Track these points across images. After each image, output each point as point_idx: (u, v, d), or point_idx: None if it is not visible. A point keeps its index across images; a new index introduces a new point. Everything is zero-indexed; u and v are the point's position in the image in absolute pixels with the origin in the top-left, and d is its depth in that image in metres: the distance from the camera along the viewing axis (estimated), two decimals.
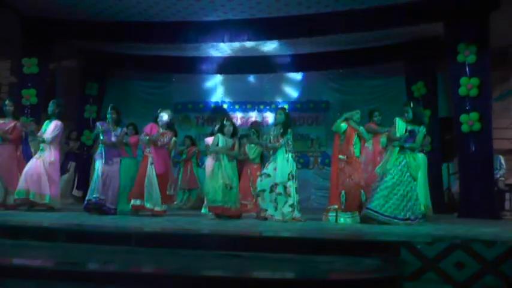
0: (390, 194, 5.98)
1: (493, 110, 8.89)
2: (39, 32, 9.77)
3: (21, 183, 6.73)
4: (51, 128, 7.11)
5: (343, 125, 6.75)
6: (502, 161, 9.81)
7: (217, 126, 7.19)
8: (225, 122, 6.96)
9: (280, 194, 6.41)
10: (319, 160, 12.22)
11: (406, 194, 6.02)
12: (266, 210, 6.43)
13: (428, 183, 7.53)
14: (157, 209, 6.61)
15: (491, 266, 3.65)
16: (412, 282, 3.60)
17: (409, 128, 6.27)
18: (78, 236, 4.29)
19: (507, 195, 9.80)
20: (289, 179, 6.51)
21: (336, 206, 6.48)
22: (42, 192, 6.79)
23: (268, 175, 6.54)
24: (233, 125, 7.04)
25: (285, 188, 6.45)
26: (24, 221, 4.93)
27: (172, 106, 12.40)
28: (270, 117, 12.26)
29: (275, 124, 7.01)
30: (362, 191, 6.38)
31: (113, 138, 6.89)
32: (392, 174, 6.05)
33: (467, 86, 8.42)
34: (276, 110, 7.29)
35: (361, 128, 6.79)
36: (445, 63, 9.60)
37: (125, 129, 7.25)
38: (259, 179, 6.72)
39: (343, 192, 6.39)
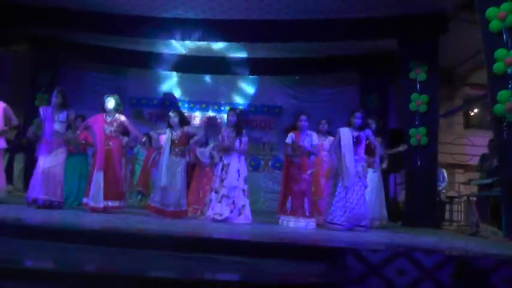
0: (344, 203, 6.14)
1: (439, 124, 9.32)
2: None
3: None
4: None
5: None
6: (445, 174, 10.26)
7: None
8: (170, 113, 6.79)
9: (237, 197, 6.44)
10: (269, 164, 12.38)
11: (353, 202, 6.19)
12: (221, 214, 6.37)
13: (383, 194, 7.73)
14: (99, 205, 6.34)
15: (429, 272, 3.84)
16: (357, 286, 3.72)
17: (355, 134, 6.43)
18: (26, 231, 4.15)
19: (447, 207, 10.26)
20: (245, 183, 6.57)
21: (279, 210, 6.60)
22: None
23: (224, 179, 6.51)
24: (179, 114, 6.79)
25: (243, 191, 6.50)
26: None
27: (126, 100, 12.28)
28: (224, 118, 12.27)
29: (227, 125, 6.94)
30: (305, 198, 6.39)
31: (56, 125, 6.49)
32: (344, 183, 6.20)
33: (417, 101, 8.77)
34: (227, 111, 7.16)
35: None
36: (397, 77, 9.98)
37: (70, 111, 6.70)
38: (219, 184, 6.56)
39: (289, 197, 6.45)
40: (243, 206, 6.47)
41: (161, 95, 12.56)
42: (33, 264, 3.36)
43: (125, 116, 6.98)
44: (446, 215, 10.33)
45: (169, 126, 6.72)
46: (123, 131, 7.08)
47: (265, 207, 11.59)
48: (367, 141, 6.55)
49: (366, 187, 6.39)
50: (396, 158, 10.37)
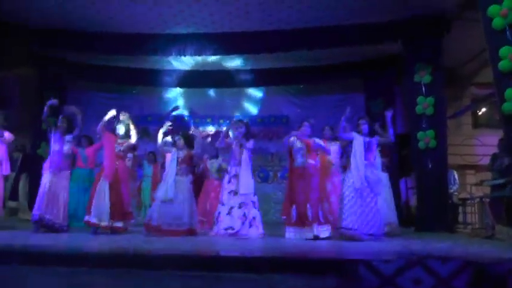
0: (357, 208, 6.05)
1: (447, 126, 9.21)
2: None
3: None
4: (8, 143, 6.81)
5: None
6: (456, 176, 10.11)
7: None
8: (175, 137, 6.90)
9: (249, 209, 6.38)
10: (278, 175, 12.29)
11: (366, 209, 6.09)
12: (233, 228, 6.31)
13: (393, 200, 7.57)
14: (103, 224, 6.33)
15: (445, 281, 3.74)
16: None
17: (366, 140, 6.37)
18: (33, 258, 4.11)
19: (460, 209, 10.09)
20: (254, 194, 6.51)
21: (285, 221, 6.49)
22: None
23: (236, 192, 6.47)
24: (185, 136, 6.87)
25: (253, 203, 6.43)
26: None
27: (132, 118, 12.29)
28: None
29: (235, 137, 6.89)
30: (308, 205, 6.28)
31: (64, 146, 6.66)
32: (354, 189, 6.11)
33: (423, 104, 8.68)
34: (233, 123, 7.11)
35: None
36: (402, 79, 9.90)
37: (76, 132, 7.02)
38: (226, 196, 6.54)
39: (294, 206, 6.33)
40: (254, 218, 6.42)
41: (167, 112, 12.49)
42: None
43: None
44: (460, 218, 10.18)
45: (175, 146, 6.72)
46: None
47: (275, 218, 11.46)
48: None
49: (378, 194, 6.27)
50: (406, 161, 10.30)
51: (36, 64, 11.14)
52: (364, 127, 6.41)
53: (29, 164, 9.81)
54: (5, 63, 10.04)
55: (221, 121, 12.55)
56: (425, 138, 8.61)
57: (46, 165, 6.60)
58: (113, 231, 6.37)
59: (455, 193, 10.08)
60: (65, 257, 4.08)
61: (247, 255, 4.11)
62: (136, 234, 6.37)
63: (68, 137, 6.80)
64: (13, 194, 9.57)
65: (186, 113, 12.61)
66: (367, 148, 6.32)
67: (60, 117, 6.92)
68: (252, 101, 12.59)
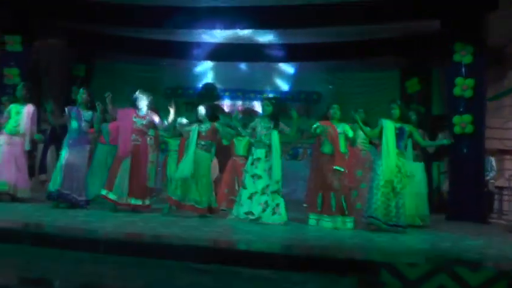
0: (383, 198, 5.80)
1: (486, 109, 8.73)
2: (23, 9, 9.38)
3: None
4: (29, 115, 6.73)
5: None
6: (493, 163, 9.66)
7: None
8: (199, 107, 6.59)
9: (272, 195, 6.12)
10: (308, 152, 12.02)
11: (393, 199, 5.83)
12: (252, 213, 6.07)
13: (426, 191, 7.17)
14: (122, 201, 6.21)
15: None
16: None
17: (397, 126, 6.05)
18: (45, 239, 4.07)
19: (496, 197, 9.68)
20: (280, 180, 6.24)
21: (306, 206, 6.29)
22: (10, 183, 6.44)
23: (260, 176, 6.18)
24: (210, 108, 6.57)
25: (278, 189, 6.18)
26: None
27: (161, 91, 12.24)
28: (259, 106, 12.07)
29: (262, 116, 6.53)
30: (332, 194, 6.02)
31: (81, 123, 6.45)
32: (383, 178, 5.84)
33: (462, 86, 8.21)
34: (262, 100, 6.78)
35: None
36: (441, 59, 9.40)
37: (96, 113, 6.64)
38: (249, 179, 6.21)
39: (319, 194, 6.10)
40: (277, 205, 6.11)
41: (197, 85, 12.35)
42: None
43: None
44: (496, 205, 9.77)
45: (198, 120, 6.50)
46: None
47: (303, 196, 11.28)
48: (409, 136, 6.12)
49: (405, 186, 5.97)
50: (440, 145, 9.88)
51: (65, 37, 11.09)
52: (395, 112, 6.04)
53: (57, 136, 9.80)
54: (37, 36, 10.02)
55: (252, 95, 12.32)
56: (462, 122, 8.17)
57: (64, 141, 6.51)
58: (133, 209, 6.29)
59: (492, 180, 9.66)
60: (74, 241, 4.03)
61: (264, 251, 3.93)
62: (156, 213, 6.24)
63: (87, 114, 6.54)
64: (42, 167, 9.65)
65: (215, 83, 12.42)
66: (398, 135, 5.98)
67: (81, 91, 6.69)
68: (283, 76, 12.30)
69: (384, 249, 4.33)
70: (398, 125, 6.03)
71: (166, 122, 6.64)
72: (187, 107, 12.34)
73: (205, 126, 6.42)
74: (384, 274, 3.56)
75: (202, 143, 6.37)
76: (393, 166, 5.81)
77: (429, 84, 10.22)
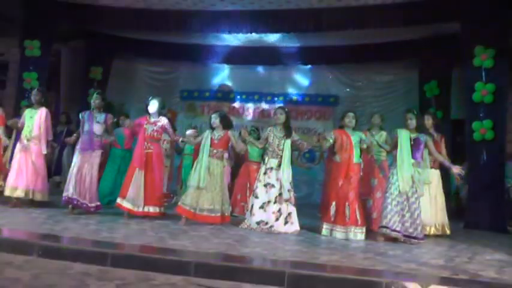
0: (399, 209, 5.69)
1: (508, 113, 8.49)
2: (42, 13, 9.51)
3: (10, 180, 6.52)
4: (42, 118, 6.75)
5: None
6: None
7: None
8: (212, 115, 6.53)
9: (285, 204, 6.07)
10: (325, 155, 11.86)
11: (409, 210, 5.71)
12: (266, 223, 6.02)
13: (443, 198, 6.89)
14: (136, 210, 6.22)
15: None
16: None
17: (412, 136, 5.91)
18: (54, 251, 4.08)
19: None
20: (291, 188, 6.16)
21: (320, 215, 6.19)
22: (28, 188, 6.48)
23: (273, 185, 6.14)
24: (221, 116, 6.46)
25: (290, 198, 6.11)
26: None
27: (178, 93, 12.29)
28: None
29: (274, 124, 6.46)
30: (347, 203, 5.89)
31: (94, 126, 6.40)
32: (397, 189, 5.72)
33: (482, 92, 7.99)
34: (275, 109, 6.72)
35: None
36: (460, 62, 9.17)
37: (109, 115, 6.62)
38: (262, 189, 6.17)
39: (333, 203, 5.98)
40: (289, 214, 6.07)
41: (214, 87, 12.33)
42: None
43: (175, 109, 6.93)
44: None
45: (211, 127, 6.46)
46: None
47: (319, 200, 11.17)
48: (425, 147, 5.98)
49: (421, 195, 5.84)
50: (459, 149, 9.66)
51: (84, 38, 11.19)
52: (412, 122, 5.90)
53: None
54: (55, 39, 10.14)
55: (268, 98, 12.23)
56: (482, 128, 7.96)
57: (77, 146, 6.52)
58: (147, 216, 6.28)
59: None
60: (80, 254, 4.04)
61: (271, 268, 3.86)
62: (169, 220, 6.22)
63: (100, 116, 6.52)
64: (57, 168, 9.72)
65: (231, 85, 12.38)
66: (414, 145, 5.85)
67: (95, 95, 6.70)
68: (300, 79, 12.15)
69: (396, 267, 4.19)
70: (414, 135, 5.90)
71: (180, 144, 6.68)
72: (203, 109, 12.39)
73: (218, 134, 6.37)
74: None
75: (215, 151, 6.34)
76: (408, 177, 5.71)
77: (448, 88, 9.97)
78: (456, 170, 5.94)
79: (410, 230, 5.68)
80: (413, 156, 5.84)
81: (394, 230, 5.65)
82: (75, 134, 6.90)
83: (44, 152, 6.64)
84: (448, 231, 6.60)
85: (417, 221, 5.69)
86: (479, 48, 8.06)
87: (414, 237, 5.65)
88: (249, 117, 12.19)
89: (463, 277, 3.90)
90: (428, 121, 6.72)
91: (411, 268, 4.16)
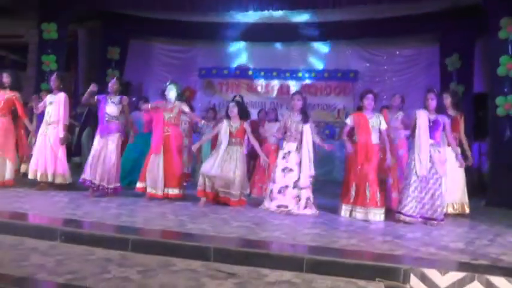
0: (418, 193, 5.64)
1: None
2: None
3: (32, 164, 6.66)
4: (61, 102, 6.82)
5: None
6: None
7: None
8: (230, 103, 6.53)
9: (304, 188, 6.08)
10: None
11: (428, 191, 5.65)
12: (286, 206, 6.05)
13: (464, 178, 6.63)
14: (156, 193, 6.32)
15: None
16: None
17: (432, 118, 5.80)
18: (76, 237, 4.19)
19: None
20: (310, 171, 6.16)
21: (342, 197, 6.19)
22: (48, 171, 6.62)
23: (291, 169, 6.15)
24: (238, 105, 6.43)
25: (309, 182, 6.13)
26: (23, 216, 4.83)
27: (196, 71, 12.26)
28: (294, 85, 11.90)
29: (292, 109, 6.45)
30: (367, 184, 5.82)
31: (109, 107, 6.48)
32: (416, 173, 5.66)
33: (508, 65, 7.77)
34: (293, 94, 6.66)
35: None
36: (484, 34, 8.91)
37: (125, 97, 6.67)
38: (280, 174, 6.19)
39: (353, 184, 5.93)
40: (308, 199, 6.10)
41: (232, 65, 12.23)
42: None
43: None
44: None
45: (228, 117, 6.44)
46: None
47: (340, 176, 11.11)
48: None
49: (443, 175, 5.75)
50: (482, 124, 9.48)
51: (100, 19, 11.16)
52: (432, 102, 5.79)
53: (92, 118, 9.92)
54: (71, 21, 10.17)
55: (287, 74, 12.10)
56: (506, 104, 7.77)
57: (98, 128, 6.60)
58: (167, 198, 6.36)
59: None
60: (101, 239, 4.14)
61: (290, 254, 3.86)
62: (189, 202, 6.28)
63: (115, 98, 6.58)
64: (77, 149, 9.84)
65: (250, 64, 12.26)
66: (433, 126, 5.75)
67: (113, 80, 6.74)
68: (318, 55, 11.95)
69: (415, 251, 4.17)
70: (433, 116, 5.79)
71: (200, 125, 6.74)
72: (221, 87, 12.34)
73: (235, 126, 6.38)
74: (414, 280, 3.46)
75: (233, 140, 6.37)
76: (426, 160, 5.63)
77: (471, 61, 9.70)
78: (460, 165, 6.16)
79: (430, 213, 5.63)
80: (432, 137, 5.74)
81: (410, 216, 5.62)
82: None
83: (60, 135, 6.72)
84: (467, 210, 6.48)
85: (437, 202, 5.62)
86: (505, 20, 7.80)
87: (433, 219, 5.61)
88: (268, 95, 12.10)
89: (483, 262, 3.86)
90: (447, 100, 6.57)
91: (430, 252, 4.13)
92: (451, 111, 6.47)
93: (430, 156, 5.66)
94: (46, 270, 3.43)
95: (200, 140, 7.32)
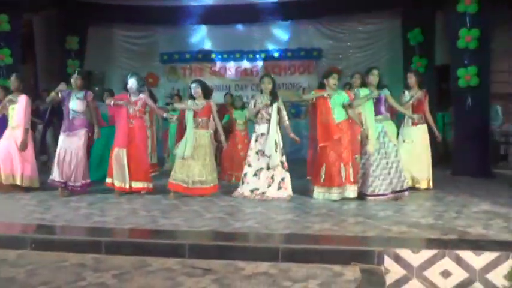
0: (380, 170, 5.74)
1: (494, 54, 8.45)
2: None
3: None
4: (22, 106, 6.59)
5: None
6: (499, 112, 9.46)
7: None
8: (191, 84, 6.40)
9: (277, 170, 6.08)
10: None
11: (392, 165, 5.80)
12: (258, 189, 6.07)
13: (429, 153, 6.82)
14: (124, 186, 6.22)
15: (479, 274, 3.46)
16: None
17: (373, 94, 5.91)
18: (47, 243, 4.08)
19: (503, 147, 9.53)
20: (283, 154, 6.18)
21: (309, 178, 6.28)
22: (15, 174, 6.44)
23: (264, 152, 6.12)
24: (201, 85, 6.32)
25: (282, 163, 6.12)
26: None
27: (158, 57, 12.05)
28: (259, 66, 11.86)
29: (261, 92, 6.38)
30: (342, 164, 5.88)
31: (73, 103, 6.28)
32: (368, 149, 5.79)
33: (467, 38, 7.93)
34: (262, 77, 6.62)
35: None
36: (443, 8, 9.02)
37: (89, 92, 6.48)
38: (254, 157, 6.19)
39: (323, 166, 5.95)
40: (282, 179, 6.08)
41: (194, 49, 12.06)
42: None
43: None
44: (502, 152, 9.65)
45: (191, 97, 6.35)
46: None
47: (308, 155, 11.21)
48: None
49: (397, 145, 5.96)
50: (444, 95, 9.66)
51: (55, 6, 10.75)
52: (374, 78, 5.93)
53: (56, 115, 9.62)
54: (24, 10, 9.69)
55: (250, 56, 12.02)
56: (467, 75, 7.95)
57: (62, 125, 6.42)
58: (137, 192, 6.28)
59: (498, 129, 9.49)
60: (73, 244, 4.05)
61: (264, 245, 3.89)
62: (159, 195, 6.22)
63: (79, 94, 6.38)
64: (42, 147, 9.57)
65: (211, 46, 12.13)
66: (376, 102, 5.93)
67: (75, 76, 6.53)
68: (281, 34, 11.90)
69: (387, 230, 4.26)
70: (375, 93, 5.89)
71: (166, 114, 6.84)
72: (185, 71, 12.19)
73: (200, 103, 6.27)
74: (388, 261, 3.54)
75: (199, 119, 6.25)
76: (374, 136, 5.79)
77: (432, 35, 9.81)
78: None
79: (400, 185, 5.79)
80: (378, 112, 5.91)
81: (382, 195, 5.75)
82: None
83: (20, 140, 6.49)
84: (431, 186, 6.65)
85: (401, 172, 5.82)
86: None
87: (403, 191, 5.79)
88: (231, 77, 12.03)
89: (452, 237, 3.98)
90: (411, 79, 6.68)
91: (402, 231, 4.21)
92: (414, 93, 6.59)
93: (384, 131, 5.84)
94: (17, 283, 3.31)
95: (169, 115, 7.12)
